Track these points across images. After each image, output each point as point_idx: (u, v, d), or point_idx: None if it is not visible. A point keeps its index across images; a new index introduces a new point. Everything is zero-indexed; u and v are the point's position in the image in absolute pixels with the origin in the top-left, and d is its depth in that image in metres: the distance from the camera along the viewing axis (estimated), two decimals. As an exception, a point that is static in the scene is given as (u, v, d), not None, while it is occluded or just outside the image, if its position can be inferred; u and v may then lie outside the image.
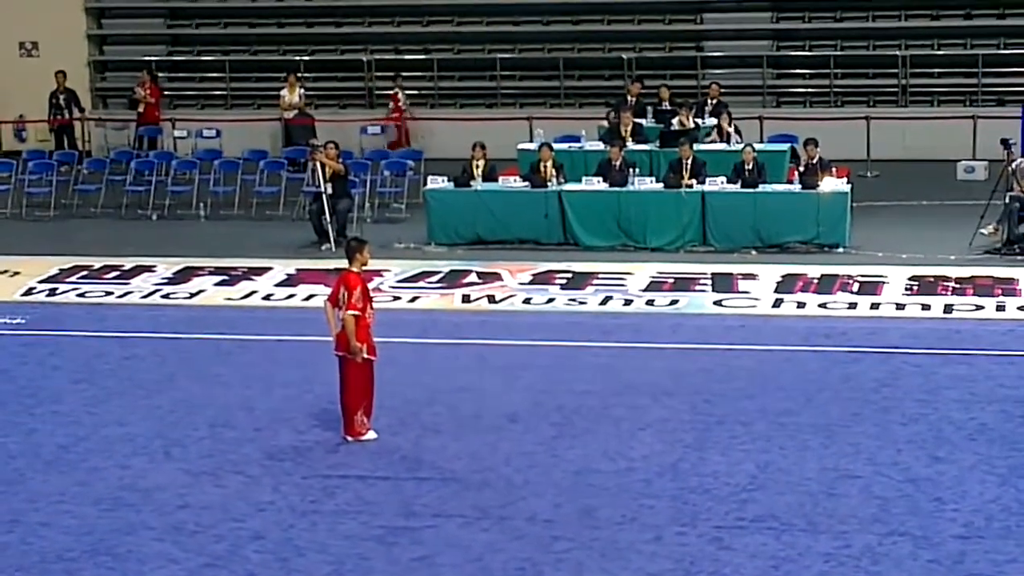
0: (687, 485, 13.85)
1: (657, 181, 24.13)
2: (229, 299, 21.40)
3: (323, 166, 24.40)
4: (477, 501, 13.59)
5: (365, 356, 14.98)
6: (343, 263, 15.56)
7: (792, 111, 31.86)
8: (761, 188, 23.64)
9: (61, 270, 23.00)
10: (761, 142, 27.30)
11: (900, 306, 20.17)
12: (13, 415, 16.30)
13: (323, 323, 15.45)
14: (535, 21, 34.10)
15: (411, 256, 23.54)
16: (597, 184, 24.06)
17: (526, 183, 24.30)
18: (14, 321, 20.37)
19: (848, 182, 24.08)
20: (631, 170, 24.21)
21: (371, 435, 15.14)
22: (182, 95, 34.94)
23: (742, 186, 23.66)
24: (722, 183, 23.65)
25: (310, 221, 24.73)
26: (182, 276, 22.52)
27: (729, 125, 27.04)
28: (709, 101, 28.64)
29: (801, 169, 24.17)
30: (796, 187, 23.72)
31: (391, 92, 32.27)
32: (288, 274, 22.54)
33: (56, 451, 15.14)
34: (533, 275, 22.16)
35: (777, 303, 20.49)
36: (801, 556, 12.29)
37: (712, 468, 14.26)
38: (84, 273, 22.86)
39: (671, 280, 21.70)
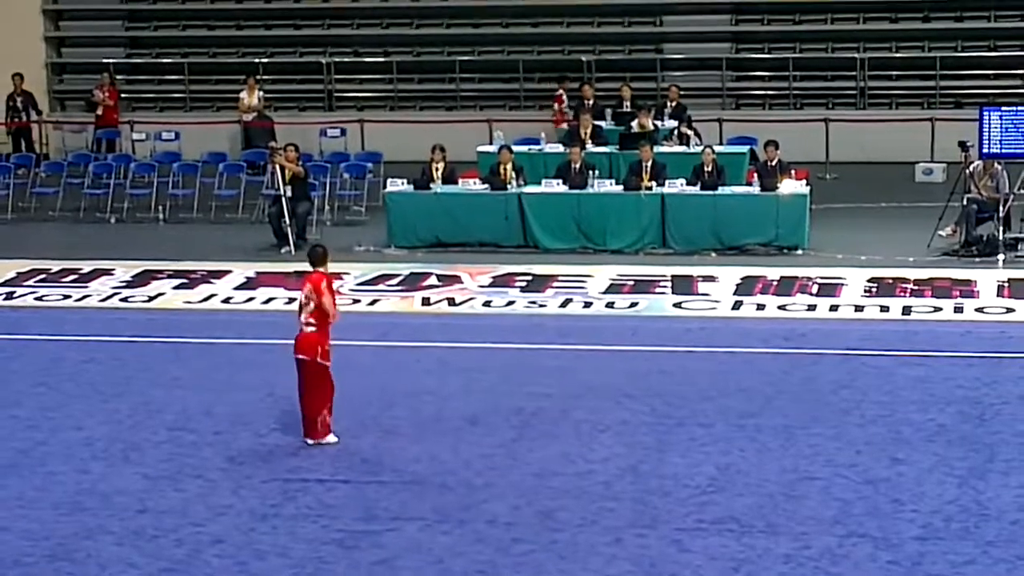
0: (647, 487, 13.86)
1: (617, 183, 24.15)
2: (188, 302, 21.32)
3: (282, 169, 24.34)
4: (437, 504, 13.58)
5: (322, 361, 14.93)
6: (303, 266, 15.46)
7: (751, 113, 31.97)
8: (720, 190, 23.67)
9: (19, 273, 22.86)
10: (720, 144, 27.36)
11: (859, 308, 20.23)
12: (-30, 420, 16.21)
13: (284, 326, 15.42)
14: (495, 24, 34.08)
15: (371, 259, 23.49)
16: (557, 186, 24.06)
17: (486, 186, 24.29)
18: (-29, 325, 20.28)
19: (807, 184, 24.13)
20: (591, 172, 24.23)
21: (331, 438, 15.10)
22: (140, 98, 34.78)
23: (701, 188, 23.70)
24: (682, 185, 23.68)
25: (269, 224, 24.65)
26: (141, 279, 22.41)
27: (689, 127, 27.09)
28: (669, 103, 28.68)
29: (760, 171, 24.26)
30: (755, 189, 23.75)
31: (556, 93, 30.95)
32: (247, 277, 22.46)
33: (14, 455, 15.05)
34: (493, 278, 22.14)
35: (736, 305, 20.52)
36: (760, 558, 12.31)
37: (672, 470, 14.27)
38: (42, 277, 22.73)
39: (631, 283, 21.71)
